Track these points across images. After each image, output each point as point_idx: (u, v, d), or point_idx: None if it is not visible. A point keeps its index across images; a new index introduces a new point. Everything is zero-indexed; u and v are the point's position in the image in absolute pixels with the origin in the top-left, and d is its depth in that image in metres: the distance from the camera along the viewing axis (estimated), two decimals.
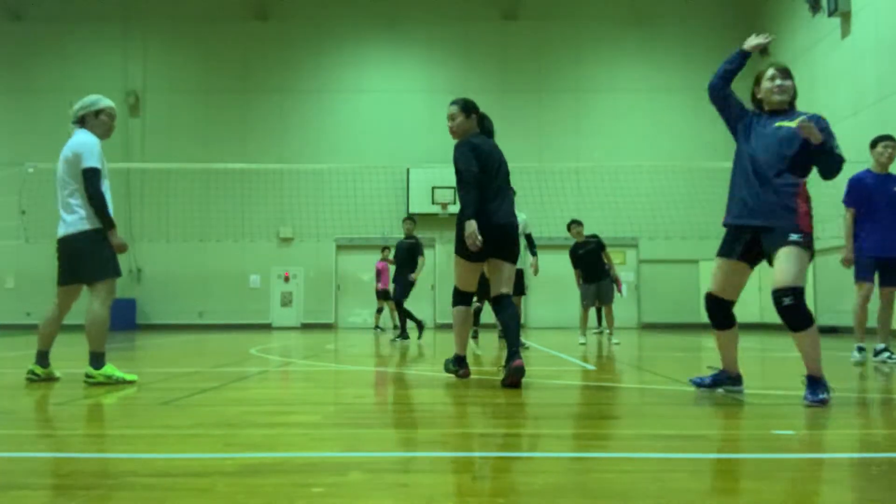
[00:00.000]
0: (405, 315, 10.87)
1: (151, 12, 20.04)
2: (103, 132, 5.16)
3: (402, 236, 10.95)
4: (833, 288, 15.25)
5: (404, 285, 10.72)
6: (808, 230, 3.88)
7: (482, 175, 4.90)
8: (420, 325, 11.24)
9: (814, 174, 4.10)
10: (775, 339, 12.91)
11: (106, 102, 5.19)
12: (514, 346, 4.78)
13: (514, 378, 4.66)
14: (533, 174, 17.24)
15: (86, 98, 5.20)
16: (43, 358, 5.11)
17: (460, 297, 5.21)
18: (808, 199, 3.98)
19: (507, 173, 5.14)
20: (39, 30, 19.89)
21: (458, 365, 5.25)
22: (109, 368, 4.91)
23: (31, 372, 5.07)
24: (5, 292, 19.11)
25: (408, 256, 10.72)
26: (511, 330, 4.89)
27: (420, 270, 10.74)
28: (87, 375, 4.87)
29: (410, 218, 11.29)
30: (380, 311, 16.09)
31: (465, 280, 5.16)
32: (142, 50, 20.02)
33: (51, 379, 5.11)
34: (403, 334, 10.91)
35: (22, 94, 19.64)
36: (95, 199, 4.89)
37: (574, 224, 10.13)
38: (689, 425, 3.33)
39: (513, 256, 5.07)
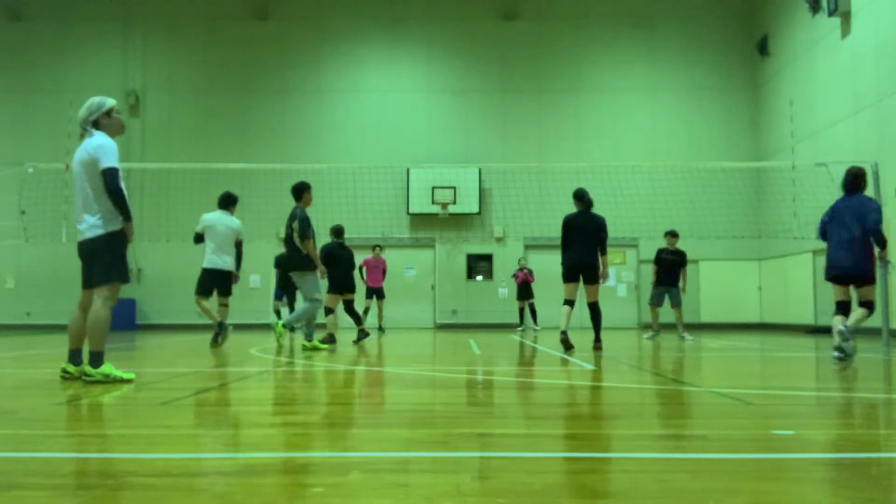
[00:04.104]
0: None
1: (151, 12, 20.03)
2: (118, 130, 5.21)
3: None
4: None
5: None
6: None
7: (565, 237, 8.53)
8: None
9: None
10: (775, 339, 12.90)
11: (111, 101, 5.24)
12: (595, 334, 8.59)
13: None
14: (533, 174, 17.23)
15: (91, 101, 5.18)
16: (75, 356, 5.16)
17: (565, 301, 8.57)
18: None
19: (585, 231, 8.42)
20: (39, 30, 19.87)
21: (564, 344, 8.24)
22: (107, 367, 4.93)
23: (64, 370, 5.18)
24: (5, 292, 19.09)
25: None
26: (594, 321, 8.56)
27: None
28: (85, 374, 4.89)
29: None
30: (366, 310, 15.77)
31: (566, 292, 8.55)
32: (142, 50, 20.01)
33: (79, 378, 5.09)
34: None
35: (22, 94, 19.62)
36: (115, 195, 4.90)
37: (669, 235, 12.56)
38: (689, 425, 3.33)
39: (586, 280, 8.48)
